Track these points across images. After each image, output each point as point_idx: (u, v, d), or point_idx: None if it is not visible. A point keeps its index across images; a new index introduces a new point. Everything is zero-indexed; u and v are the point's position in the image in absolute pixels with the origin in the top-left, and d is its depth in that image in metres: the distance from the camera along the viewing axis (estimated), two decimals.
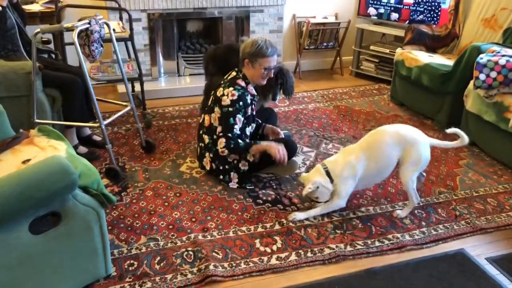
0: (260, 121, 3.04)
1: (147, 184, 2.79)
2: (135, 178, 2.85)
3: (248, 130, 2.82)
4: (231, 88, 2.68)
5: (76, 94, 2.92)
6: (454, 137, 2.52)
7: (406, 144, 2.46)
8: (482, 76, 3.02)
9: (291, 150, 2.84)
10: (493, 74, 2.99)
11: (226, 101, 2.66)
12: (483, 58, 3.06)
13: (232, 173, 2.77)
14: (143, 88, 3.59)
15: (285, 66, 3.27)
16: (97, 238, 1.89)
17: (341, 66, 4.98)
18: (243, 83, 2.72)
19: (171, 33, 4.35)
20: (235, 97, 2.65)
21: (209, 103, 2.82)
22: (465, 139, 2.48)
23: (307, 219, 2.48)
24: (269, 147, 2.68)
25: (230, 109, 2.66)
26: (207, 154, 2.83)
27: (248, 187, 2.76)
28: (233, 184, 2.77)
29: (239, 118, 2.68)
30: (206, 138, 2.81)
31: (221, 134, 2.68)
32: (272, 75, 2.78)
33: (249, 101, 2.73)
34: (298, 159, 3.11)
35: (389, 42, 4.85)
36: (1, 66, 2.73)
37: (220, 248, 2.26)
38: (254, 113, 2.87)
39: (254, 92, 2.79)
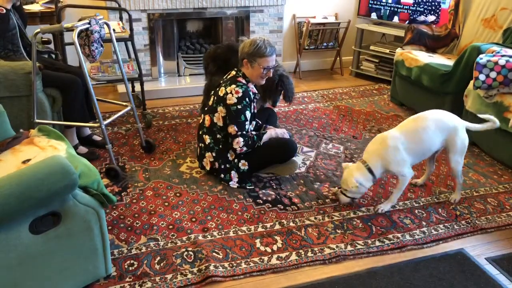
0: (260, 122, 3.04)
1: (147, 184, 2.79)
2: (135, 178, 2.84)
3: (250, 128, 2.84)
4: (233, 86, 2.69)
5: (76, 94, 2.92)
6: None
7: (450, 131, 2.54)
8: (482, 77, 3.02)
9: (291, 150, 2.84)
10: (493, 74, 2.99)
11: (232, 99, 2.67)
12: (482, 58, 3.06)
13: (232, 172, 2.78)
14: (143, 88, 3.59)
15: (285, 72, 3.28)
16: (97, 238, 1.89)
17: (341, 66, 4.98)
18: (243, 81, 2.74)
19: (171, 33, 4.35)
20: (240, 94, 2.67)
21: (211, 103, 2.83)
22: (497, 122, 2.57)
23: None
24: (274, 132, 2.89)
25: (239, 106, 2.67)
26: (207, 154, 2.83)
27: (248, 187, 2.76)
28: (234, 184, 2.77)
29: (248, 114, 2.71)
30: (207, 138, 2.82)
31: (238, 133, 2.69)
32: (271, 75, 2.79)
33: (252, 96, 2.75)
34: (298, 159, 3.11)
35: (389, 42, 4.85)
36: (1, 66, 2.73)
37: (221, 248, 2.26)
38: (255, 111, 2.88)
39: (254, 90, 2.81)
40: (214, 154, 2.81)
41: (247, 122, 2.72)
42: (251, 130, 2.85)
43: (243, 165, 2.77)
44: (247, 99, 2.69)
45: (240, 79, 2.74)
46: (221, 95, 2.72)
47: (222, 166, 2.79)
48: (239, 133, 2.69)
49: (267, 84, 3.03)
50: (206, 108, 2.88)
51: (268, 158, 2.84)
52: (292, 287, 2.06)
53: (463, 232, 2.44)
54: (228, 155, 2.77)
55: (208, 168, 2.86)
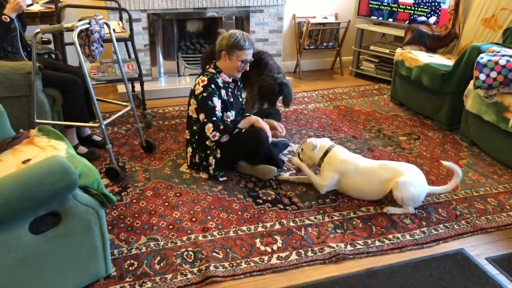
0: (250, 115, 2.99)
1: (147, 184, 2.79)
2: (135, 178, 2.84)
3: (229, 116, 2.82)
4: (200, 77, 2.77)
5: (76, 94, 2.92)
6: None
7: (396, 173, 2.55)
8: (482, 76, 3.02)
9: (258, 141, 2.73)
10: (493, 74, 2.99)
11: (199, 88, 2.73)
12: (483, 58, 3.06)
13: (210, 158, 2.80)
14: (143, 88, 3.59)
15: (285, 79, 3.34)
16: (97, 238, 1.89)
17: (341, 66, 4.98)
18: (213, 71, 2.78)
19: (171, 33, 4.35)
20: (205, 82, 2.72)
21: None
22: (460, 175, 2.58)
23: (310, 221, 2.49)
24: (255, 120, 2.81)
25: (204, 94, 2.71)
26: (188, 149, 2.91)
27: (220, 178, 2.81)
28: (211, 170, 2.81)
29: (216, 100, 2.73)
30: (187, 133, 2.90)
31: (205, 120, 2.72)
32: (247, 68, 2.82)
33: (220, 83, 2.77)
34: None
35: (389, 42, 4.85)
36: (1, 66, 2.73)
37: (221, 248, 2.26)
38: (232, 100, 2.87)
39: (227, 79, 2.82)
40: (194, 146, 2.86)
41: (217, 109, 2.72)
42: (232, 119, 2.83)
43: (217, 153, 2.80)
44: (212, 85, 2.72)
45: (210, 69, 2.79)
46: (192, 88, 2.79)
47: (203, 155, 2.83)
48: (207, 120, 2.71)
49: (266, 93, 3.03)
50: None
51: (239, 147, 2.77)
52: (292, 287, 2.06)
53: (463, 232, 2.44)
54: (207, 142, 2.80)
55: (188, 162, 2.93)
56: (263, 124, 2.82)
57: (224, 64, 2.77)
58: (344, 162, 2.63)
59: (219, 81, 2.77)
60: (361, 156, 2.83)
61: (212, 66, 2.81)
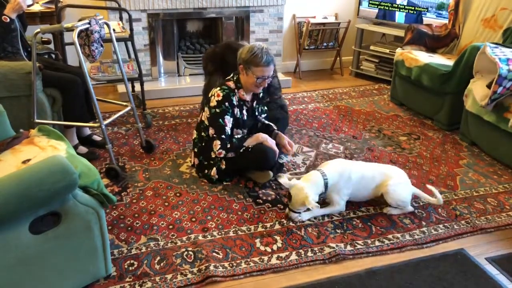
0: (264, 122, 2.98)
1: (147, 184, 2.79)
2: (135, 178, 2.85)
3: (238, 133, 2.79)
4: (218, 89, 2.70)
5: (76, 94, 2.92)
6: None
7: (386, 176, 2.55)
8: (500, 89, 2.92)
9: (267, 160, 2.73)
10: (508, 84, 2.90)
11: (213, 102, 2.69)
12: (503, 69, 2.88)
13: (214, 169, 2.78)
14: (143, 88, 3.59)
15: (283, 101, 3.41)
16: (97, 238, 1.89)
17: (341, 66, 4.99)
18: (232, 85, 2.72)
19: (171, 33, 4.35)
20: (220, 98, 2.67)
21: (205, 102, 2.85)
22: (440, 201, 2.56)
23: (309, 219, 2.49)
24: (264, 139, 2.73)
25: (218, 110, 2.67)
26: (194, 149, 2.89)
27: (225, 183, 2.80)
28: (214, 177, 2.79)
29: (228, 119, 2.69)
30: (194, 133, 2.88)
31: (215, 136, 2.70)
32: (265, 85, 2.72)
33: (235, 102, 2.70)
34: (299, 158, 3.12)
35: (389, 42, 4.85)
36: (1, 66, 2.73)
37: (221, 248, 2.26)
38: (245, 118, 2.81)
39: (245, 97, 2.75)
40: (196, 150, 2.86)
41: (227, 128, 2.69)
42: (240, 137, 2.80)
43: (222, 164, 2.77)
44: (226, 103, 2.66)
45: (230, 83, 2.72)
46: (210, 95, 2.74)
47: (205, 163, 2.81)
48: (216, 136, 2.69)
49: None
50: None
51: (244, 162, 2.76)
52: (292, 287, 2.06)
53: (463, 232, 2.44)
54: (212, 153, 2.78)
55: (191, 163, 2.94)
56: (272, 143, 2.74)
57: (242, 79, 2.69)
58: (352, 173, 2.54)
59: (234, 99, 2.69)
60: (354, 159, 2.82)
61: (234, 80, 2.72)
